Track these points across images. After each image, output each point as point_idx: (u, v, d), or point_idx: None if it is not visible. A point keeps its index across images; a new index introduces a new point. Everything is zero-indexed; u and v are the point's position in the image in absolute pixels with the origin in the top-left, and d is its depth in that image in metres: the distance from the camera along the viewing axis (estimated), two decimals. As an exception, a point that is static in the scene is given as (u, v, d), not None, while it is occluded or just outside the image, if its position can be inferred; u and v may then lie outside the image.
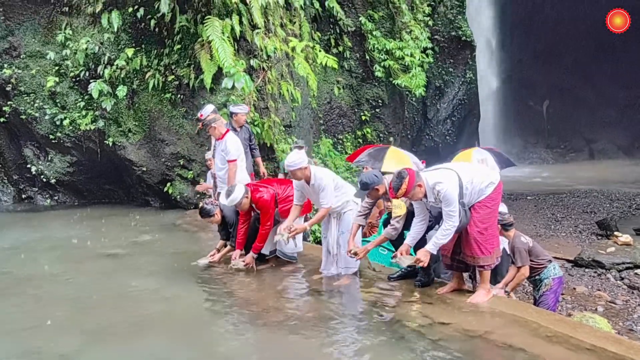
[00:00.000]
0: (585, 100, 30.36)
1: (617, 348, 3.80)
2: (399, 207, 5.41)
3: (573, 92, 30.38)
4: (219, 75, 9.54)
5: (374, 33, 13.08)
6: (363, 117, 13.44)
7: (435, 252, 4.93)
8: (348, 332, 4.55)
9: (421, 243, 5.12)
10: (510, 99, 30.07)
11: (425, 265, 4.89)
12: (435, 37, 17.13)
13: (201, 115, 7.56)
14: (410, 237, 5.13)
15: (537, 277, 6.03)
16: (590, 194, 19.20)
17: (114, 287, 5.90)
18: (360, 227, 5.76)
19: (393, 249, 5.76)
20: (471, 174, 4.90)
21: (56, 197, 12.16)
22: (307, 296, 5.50)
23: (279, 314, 4.92)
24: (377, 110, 13.78)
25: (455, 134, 19.88)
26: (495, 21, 29.29)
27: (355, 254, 5.47)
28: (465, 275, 5.46)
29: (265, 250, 6.54)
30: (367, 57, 13.17)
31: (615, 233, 12.04)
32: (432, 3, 15.36)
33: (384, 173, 7.38)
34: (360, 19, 13.10)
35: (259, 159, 8.65)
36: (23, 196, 12.32)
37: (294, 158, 5.64)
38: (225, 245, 6.77)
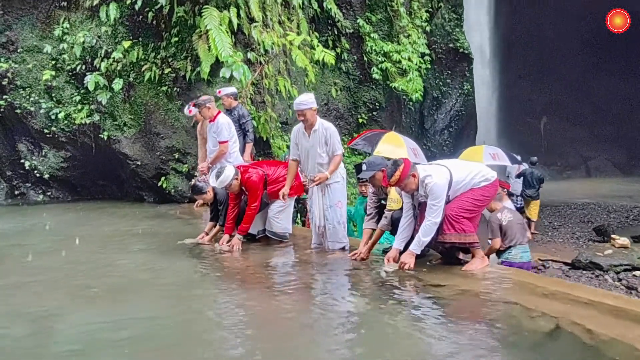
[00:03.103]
0: (583, 117, 30.51)
1: (615, 302, 3.69)
2: (395, 202, 5.33)
3: (570, 109, 30.55)
4: (215, 68, 9.49)
5: (372, 35, 13.11)
6: (360, 120, 13.41)
7: (419, 252, 4.82)
8: (340, 295, 4.44)
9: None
10: (507, 116, 30.17)
11: (412, 268, 4.72)
12: (433, 47, 17.25)
13: (219, 92, 7.68)
14: (399, 240, 5.02)
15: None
16: (587, 206, 19.19)
17: (101, 260, 5.78)
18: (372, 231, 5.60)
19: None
20: (465, 172, 4.85)
21: (49, 193, 12.03)
22: (297, 266, 5.41)
23: (267, 280, 4.82)
24: (374, 113, 13.75)
25: (453, 144, 19.87)
26: (492, 39, 29.55)
27: (363, 259, 5.31)
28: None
29: (254, 230, 6.43)
30: (365, 59, 13.17)
31: (613, 236, 11.96)
32: (430, 9, 15.47)
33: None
34: (358, 21, 13.13)
35: (249, 145, 8.51)
36: (16, 192, 12.17)
37: (306, 97, 5.61)
38: (214, 226, 6.66)
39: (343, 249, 5.76)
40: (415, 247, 4.75)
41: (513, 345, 3.18)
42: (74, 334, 3.56)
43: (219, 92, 8.14)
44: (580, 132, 30.40)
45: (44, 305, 4.20)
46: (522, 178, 13.88)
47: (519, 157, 13.01)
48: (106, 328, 3.64)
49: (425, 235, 4.68)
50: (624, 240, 11.48)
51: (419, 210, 4.96)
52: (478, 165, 5.25)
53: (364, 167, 5.23)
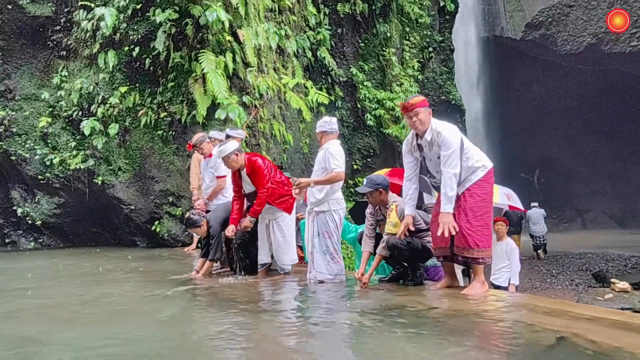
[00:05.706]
0: (576, 171, 30.78)
1: (619, 317, 3.59)
2: (393, 225, 5.23)
3: (563, 163, 30.84)
4: (211, 111, 9.59)
5: (365, 83, 13.34)
6: (354, 167, 13.44)
7: (452, 210, 4.54)
8: (336, 317, 4.28)
9: None
10: (501, 170, 30.35)
11: (456, 227, 4.51)
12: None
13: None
14: (409, 207, 4.92)
15: None
16: (585, 255, 19.04)
17: (91, 292, 5.62)
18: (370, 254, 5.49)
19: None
20: (469, 144, 4.81)
21: (41, 240, 11.89)
22: (293, 290, 5.27)
23: (261, 304, 4.67)
24: (369, 160, 13.82)
25: (448, 194, 19.87)
26: (485, 97, 30.11)
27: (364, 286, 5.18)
28: (458, 273, 5.25)
29: (266, 259, 6.31)
30: (359, 106, 13.35)
31: (612, 280, 11.79)
32: (422, 60, 15.82)
33: None
34: (351, 69, 13.40)
35: None
36: (7, 240, 12.04)
37: (330, 119, 5.79)
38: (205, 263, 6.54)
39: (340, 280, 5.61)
40: (447, 206, 4.52)
41: (514, 356, 3.04)
42: (60, 350, 3.41)
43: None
44: (574, 186, 30.60)
45: (31, 329, 4.05)
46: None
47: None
48: (95, 345, 3.49)
49: (450, 188, 4.50)
50: (623, 285, 11.29)
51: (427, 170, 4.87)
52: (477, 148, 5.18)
53: (364, 181, 5.21)
